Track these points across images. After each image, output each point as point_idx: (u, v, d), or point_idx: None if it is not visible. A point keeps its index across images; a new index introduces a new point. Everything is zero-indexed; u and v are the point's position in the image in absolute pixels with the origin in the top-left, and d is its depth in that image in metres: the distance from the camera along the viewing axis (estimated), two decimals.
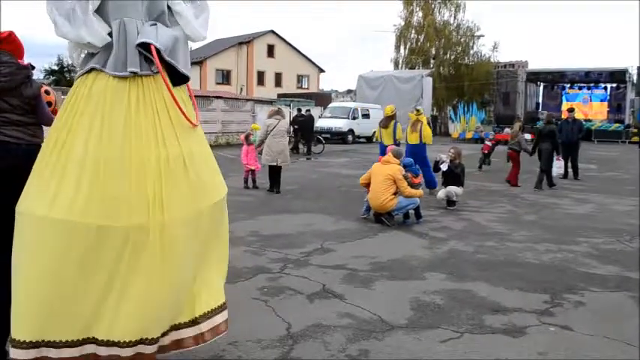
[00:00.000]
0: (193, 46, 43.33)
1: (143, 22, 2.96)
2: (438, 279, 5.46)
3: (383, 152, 10.68)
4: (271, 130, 10.75)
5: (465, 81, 45.68)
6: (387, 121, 11.40)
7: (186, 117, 3.01)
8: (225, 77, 49.23)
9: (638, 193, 11.70)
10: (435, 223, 8.26)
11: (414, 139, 11.34)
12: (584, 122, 39.56)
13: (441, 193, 9.59)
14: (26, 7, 66.94)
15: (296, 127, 20.71)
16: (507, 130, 33.94)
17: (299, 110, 22.17)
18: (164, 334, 2.99)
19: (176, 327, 3.06)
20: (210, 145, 3.48)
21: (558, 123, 14.94)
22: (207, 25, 3.26)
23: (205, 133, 3.60)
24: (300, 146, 20.55)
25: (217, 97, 24.99)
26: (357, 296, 4.86)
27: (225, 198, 3.36)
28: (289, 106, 25.46)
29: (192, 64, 43.92)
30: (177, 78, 3.09)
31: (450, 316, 4.44)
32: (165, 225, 2.80)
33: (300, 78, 54.35)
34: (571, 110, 15.58)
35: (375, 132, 23.97)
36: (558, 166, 12.54)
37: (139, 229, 2.73)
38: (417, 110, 12.00)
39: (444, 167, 9.70)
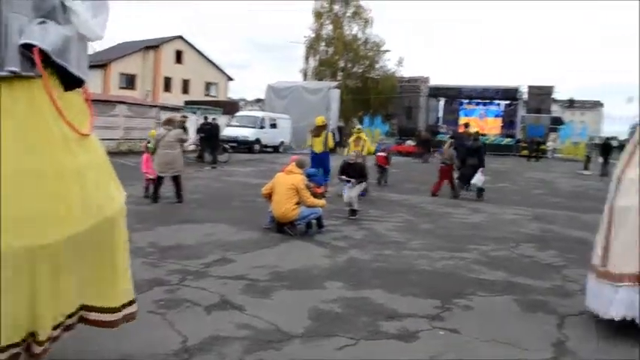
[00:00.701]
0: (96, 47, 41.57)
1: (30, 19, 2.77)
2: (337, 287, 5.56)
3: (314, 160, 11.98)
4: (160, 141, 10.47)
5: (371, 94, 47.11)
6: (319, 130, 12.62)
7: (72, 127, 2.87)
8: (129, 82, 47.40)
9: (525, 203, 12.58)
10: (337, 232, 8.42)
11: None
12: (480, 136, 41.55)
13: (346, 197, 9.92)
14: None
15: (202, 135, 20.35)
16: (409, 142, 35.38)
17: (205, 118, 21.82)
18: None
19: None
20: (112, 153, 3.36)
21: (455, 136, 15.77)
22: (105, 25, 3.11)
23: (106, 139, 3.48)
24: (206, 155, 20.20)
25: (120, 102, 24.01)
26: (256, 307, 4.84)
27: (123, 209, 3.26)
28: (195, 113, 24.92)
29: (95, 67, 41.98)
30: (71, 81, 2.94)
31: (347, 324, 4.54)
32: (55, 243, 2.69)
33: (208, 85, 53.47)
34: (467, 125, 16.55)
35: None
36: (479, 178, 13.36)
37: (28, 249, 2.63)
38: (358, 129, 13.90)
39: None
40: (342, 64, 48.92)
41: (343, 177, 10.13)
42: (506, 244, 8.19)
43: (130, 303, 3.47)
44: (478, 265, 6.81)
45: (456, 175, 13.67)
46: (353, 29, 48.68)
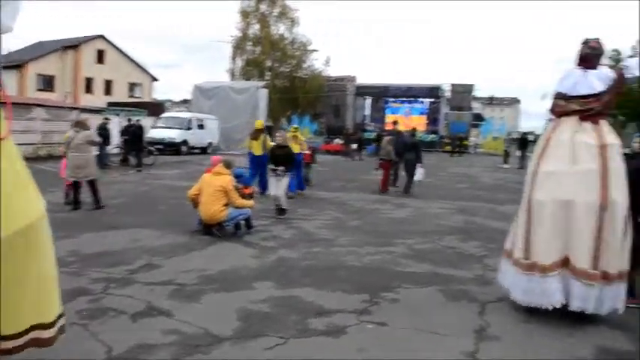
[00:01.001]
0: (10, 47, 39.35)
1: None
2: (266, 287, 5.56)
3: (253, 162, 12.72)
4: (69, 143, 10.00)
5: (298, 93, 47.26)
6: (257, 133, 12.99)
7: None
8: (47, 83, 45.17)
9: (449, 197, 13.04)
10: (266, 232, 8.40)
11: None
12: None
13: (273, 193, 10.01)
14: None
15: (126, 137, 19.74)
16: (337, 140, 35.79)
17: (129, 120, 21.16)
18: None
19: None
20: (29, 158, 3.19)
21: (380, 134, 16.17)
22: (15, 15, 2.91)
23: (23, 144, 3.29)
24: (131, 158, 19.60)
25: (38, 105, 22.83)
26: (184, 311, 4.76)
27: (43, 218, 3.11)
28: (119, 115, 24.10)
29: (10, 67, 39.78)
30: None
31: (277, 323, 4.55)
32: None
33: (132, 86, 51.82)
34: (395, 123, 16.98)
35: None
36: (420, 172, 13.92)
37: None
38: (295, 128, 14.48)
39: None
40: (269, 63, 48.74)
41: (272, 166, 10.10)
42: (432, 237, 8.47)
43: (60, 316, 3.31)
44: (405, 258, 7.01)
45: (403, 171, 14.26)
46: (280, 29, 48.65)
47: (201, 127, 28.74)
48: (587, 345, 4.33)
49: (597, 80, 4.77)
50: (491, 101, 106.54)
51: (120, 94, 48.51)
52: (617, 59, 33.50)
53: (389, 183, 14.41)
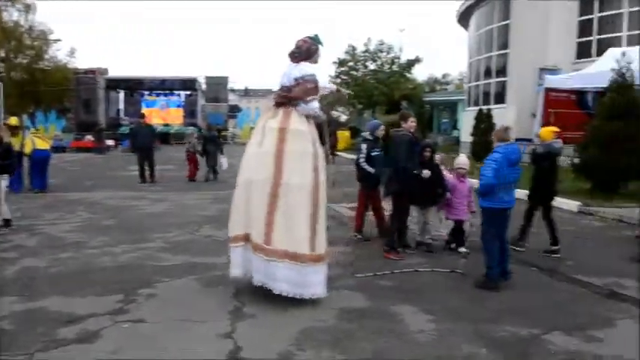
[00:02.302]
0: None
1: None
2: (7, 303, 5.00)
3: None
4: None
5: (41, 87, 42.72)
6: (14, 130, 11.74)
7: None
8: None
9: (207, 188, 13.19)
10: (5, 243, 7.51)
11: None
12: (163, 126, 42.07)
13: None
14: None
15: None
16: (89, 137, 33.46)
17: None
18: None
19: None
20: None
21: (132, 128, 15.80)
22: None
23: None
24: None
25: None
26: None
27: None
28: None
29: None
30: None
31: (20, 339, 4.14)
32: None
33: None
34: (142, 116, 16.64)
35: None
36: (224, 162, 15.49)
37: None
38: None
39: None
40: (3, 54, 43.00)
41: None
42: (189, 228, 8.53)
43: None
44: (162, 252, 6.95)
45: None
46: (13, 15, 43.16)
47: None
48: (330, 309, 4.84)
49: (294, 74, 5.26)
50: (246, 93, 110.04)
51: None
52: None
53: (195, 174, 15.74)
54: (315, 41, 5.41)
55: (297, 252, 4.88)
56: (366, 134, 7.89)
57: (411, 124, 6.87)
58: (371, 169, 7.50)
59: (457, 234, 7.21)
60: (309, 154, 5.08)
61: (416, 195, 6.97)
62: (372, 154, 7.58)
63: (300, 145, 5.07)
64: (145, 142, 15.11)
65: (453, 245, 7.18)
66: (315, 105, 5.17)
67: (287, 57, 5.41)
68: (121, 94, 45.46)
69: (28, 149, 12.35)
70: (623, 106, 11.23)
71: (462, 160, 7.43)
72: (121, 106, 45.38)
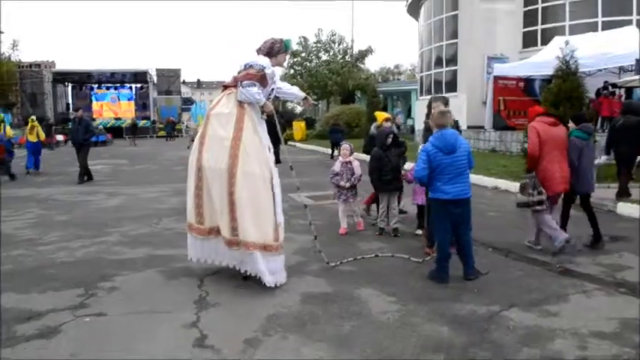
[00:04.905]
0: None
1: None
2: None
3: None
4: None
5: None
6: None
7: None
8: None
9: (165, 181, 13.00)
10: None
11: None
12: (115, 120, 41.07)
13: None
14: None
15: None
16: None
17: None
18: None
19: None
20: None
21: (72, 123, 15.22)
22: None
23: None
24: None
25: None
26: None
27: None
28: None
29: None
30: None
31: None
32: None
33: None
34: (76, 110, 16.29)
35: None
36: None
37: None
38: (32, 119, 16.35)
39: None
40: None
41: None
42: (149, 221, 8.40)
43: None
44: (120, 246, 6.84)
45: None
46: None
47: None
48: (295, 295, 4.90)
49: (245, 61, 5.36)
50: (199, 85, 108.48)
51: None
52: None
53: None
54: (284, 43, 5.49)
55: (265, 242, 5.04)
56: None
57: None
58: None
59: (419, 218, 7.36)
60: (227, 139, 5.05)
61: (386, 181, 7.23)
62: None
63: (217, 130, 5.13)
64: (77, 138, 14.05)
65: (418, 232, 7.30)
66: (253, 91, 5.14)
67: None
68: (69, 88, 44.09)
69: None
70: (568, 92, 11.66)
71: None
72: (70, 100, 44.01)
